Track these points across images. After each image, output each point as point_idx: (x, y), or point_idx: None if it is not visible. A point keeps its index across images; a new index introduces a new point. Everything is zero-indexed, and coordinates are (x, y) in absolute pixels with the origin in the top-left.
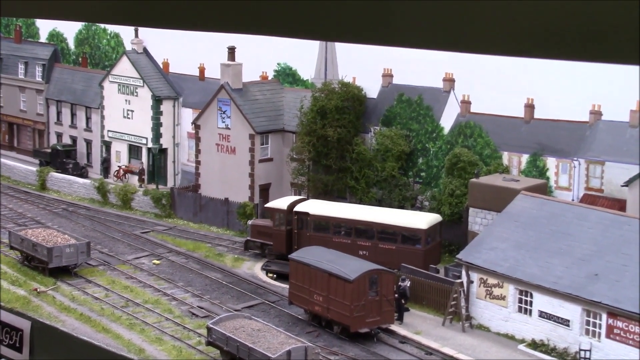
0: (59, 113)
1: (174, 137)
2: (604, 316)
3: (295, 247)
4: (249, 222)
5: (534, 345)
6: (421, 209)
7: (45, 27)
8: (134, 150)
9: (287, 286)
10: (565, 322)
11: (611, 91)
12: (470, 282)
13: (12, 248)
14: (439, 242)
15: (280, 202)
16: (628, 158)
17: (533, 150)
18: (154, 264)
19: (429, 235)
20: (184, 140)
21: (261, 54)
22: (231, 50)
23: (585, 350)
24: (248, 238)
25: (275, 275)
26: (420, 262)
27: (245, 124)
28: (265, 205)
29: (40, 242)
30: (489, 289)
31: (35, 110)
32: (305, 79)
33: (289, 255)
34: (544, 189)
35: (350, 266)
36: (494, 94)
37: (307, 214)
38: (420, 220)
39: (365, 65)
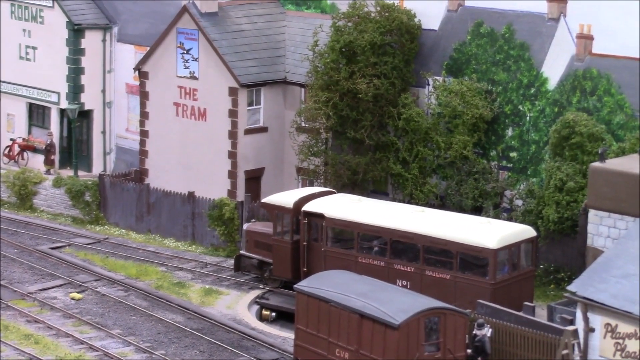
0: None
1: (103, 92)
2: None
3: (305, 269)
4: (244, 226)
5: None
6: (511, 212)
7: None
8: (37, 113)
9: (292, 335)
10: None
11: None
12: (590, 330)
13: None
14: (530, 272)
15: (285, 197)
16: None
17: None
18: (72, 299)
19: (506, 258)
20: (120, 98)
21: None
22: None
23: None
24: (241, 252)
25: (273, 315)
26: (487, 302)
27: (222, 72)
28: (262, 201)
29: None
30: (620, 341)
31: None
32: None
33: (295, 286)
34: None
35: (396, 302)
36: (632, 25)
37: (321, 216)
38: (491, 233)
39: None
